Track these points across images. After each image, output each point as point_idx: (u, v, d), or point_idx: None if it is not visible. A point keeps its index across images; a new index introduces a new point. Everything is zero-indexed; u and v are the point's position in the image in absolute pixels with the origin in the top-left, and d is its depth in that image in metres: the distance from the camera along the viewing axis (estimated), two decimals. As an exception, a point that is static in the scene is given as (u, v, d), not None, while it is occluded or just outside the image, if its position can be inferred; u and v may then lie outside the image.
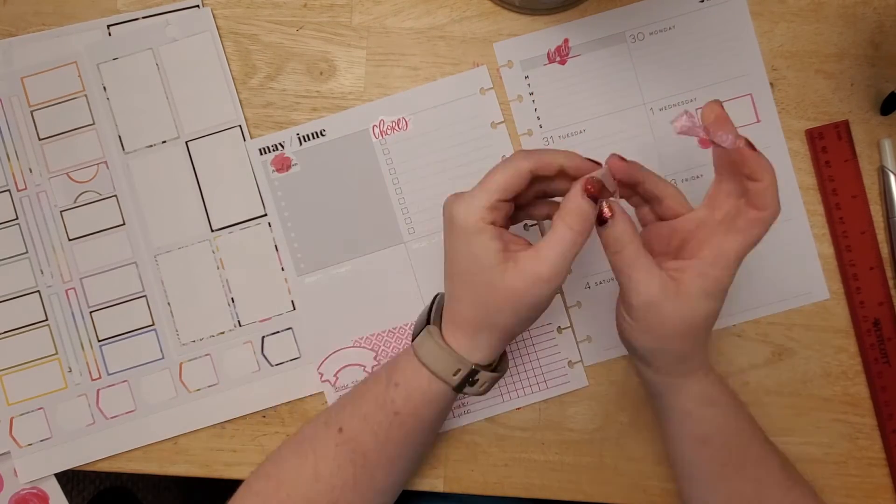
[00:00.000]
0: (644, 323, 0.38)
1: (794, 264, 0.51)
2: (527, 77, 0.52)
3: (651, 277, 0.37)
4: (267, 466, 0.43)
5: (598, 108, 0.51)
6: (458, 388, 0.41)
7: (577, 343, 0.51)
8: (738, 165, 0.37)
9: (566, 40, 0.51)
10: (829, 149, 0.51)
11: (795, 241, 0.51)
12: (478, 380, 0.41)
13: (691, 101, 0.51)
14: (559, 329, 0.51)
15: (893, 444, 0.49)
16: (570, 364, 0.51)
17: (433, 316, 0.42)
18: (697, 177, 0.51)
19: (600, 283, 0.51)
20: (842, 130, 0.51)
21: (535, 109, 0.52)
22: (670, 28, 0.51)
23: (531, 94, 0.52)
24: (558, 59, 0.51)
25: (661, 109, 0.51)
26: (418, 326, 0.44)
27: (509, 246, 0.39)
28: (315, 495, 0.41)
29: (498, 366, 0.43)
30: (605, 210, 0.37)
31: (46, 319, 0.51)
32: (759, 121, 0.51)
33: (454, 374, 0.40)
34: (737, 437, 0.43)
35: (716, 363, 0.51)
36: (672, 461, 0.45)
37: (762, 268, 0.51)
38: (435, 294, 0.45)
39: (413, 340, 0.42)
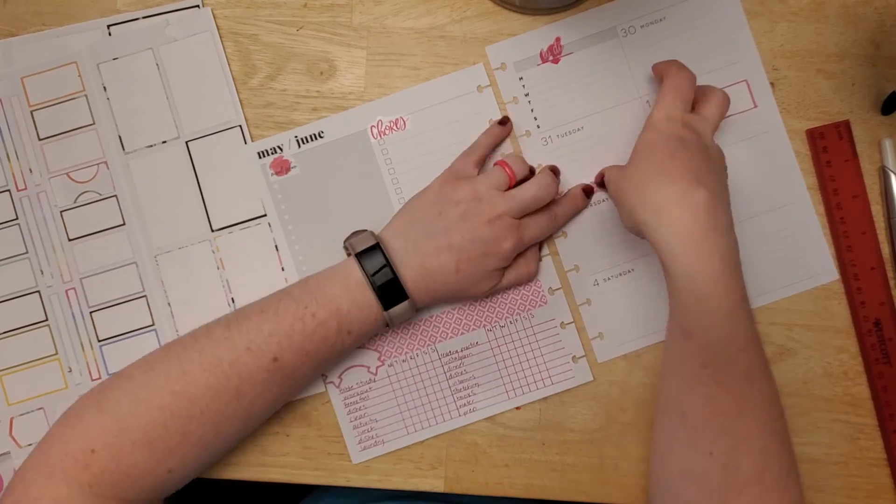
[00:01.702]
0: (610, 190, 0.48)
1: (799, 247, 0.51)
2: (521, 78, 0.52)
3: (612, 169, 0.48)
4: (174, 382, 0.42)
5: (595, 105, 0.51)
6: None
7: (590, 340, 0.51)
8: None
9: (558, 39, 0.51)
10: (830, 149, 0.51)
11: (800, 224, 0.51)
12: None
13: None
14: (562, 324, 0.51)
15: (895, 444, 0.49)
16: (575, 359, 0.51)
17: (408, 289, 0.45)
18: (698, 175, 0.51)
19: (608, 279, 0.51)
20: (842, 130, 0.51)
21: (532, 110, 0.52)
22: (661, 20, 0.51)
23: (526, 95, 0.52)
24: (551, 58, 0.51)
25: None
26: (384, 286, 0.45)
27: None
28: (232, 412, 0.43)
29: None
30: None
31: (46, 319, 0.51)
32: (756, 106, 0.51)
33: (397, 318, 0.46)
34: (723, 343, 0.40)
35: (716, 363, 0.51)
36: (663, 359, 0.45)
37: (768, 252, 0.51)
38: (375, 242, 0.46)
39: (385, 305, 0.45)
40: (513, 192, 0.47)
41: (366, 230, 0.47)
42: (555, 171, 0.49)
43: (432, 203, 0.47)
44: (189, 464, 0.43)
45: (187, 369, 0.42)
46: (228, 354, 0.42)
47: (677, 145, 0.43)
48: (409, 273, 0.45)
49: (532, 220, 0.47)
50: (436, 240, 0.45)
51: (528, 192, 0.47)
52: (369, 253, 0.45)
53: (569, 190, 0.51)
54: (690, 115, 0.45)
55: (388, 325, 0.47)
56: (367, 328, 0.45)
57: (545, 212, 0.48)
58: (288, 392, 0.46)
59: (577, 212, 0.51)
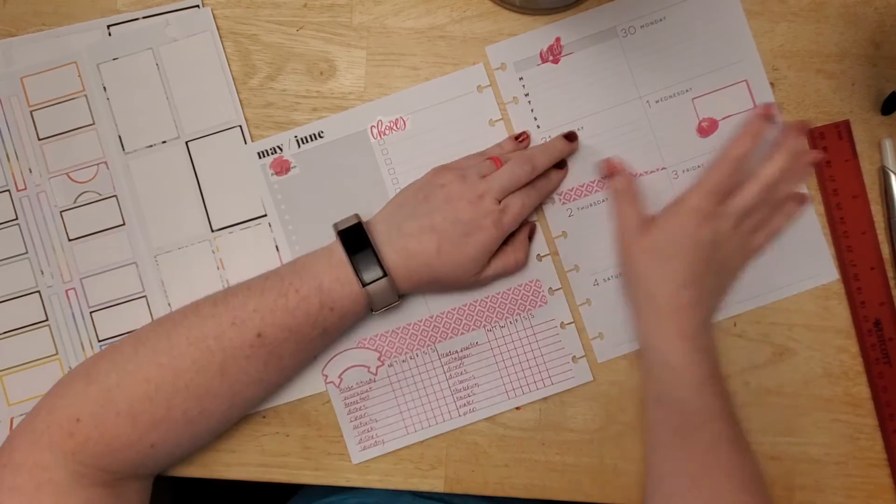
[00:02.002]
0: (621, 256, 0.50)
1: (799, 247, 0.51)
2: (521, 78, 0.52)
3: (628, 219, 0.49)
4: (160, 355, 0.42)
5: (595, 105, 0.51)
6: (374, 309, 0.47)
7: (590, 340, 0.51)
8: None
9: (558, 39, 0.51)
10: (830, 149, 0.51)
11: (799, 224, 0.51)
12: (393, 305, 0.47)
13: (687, 90, 0.51)
14: (562, 325, 0.51)
15: (895, 444, 0.49)
16: (575, 359, 0.51)
17: (388, 266, 0.45)
18: (697, 167, 0.51)
19: (608, 279, 0.51)
20: (842, 130, 0.51)
21: (532, 110, 0.52)
22: (661, 20, 0.51)
23: (526, 95, 0.52)
24: (551, 58, 0.51)
25: (657, 101, 0.51)
26: (363, 262, 0.45)
27: None
28: (217, 388, 0.43)
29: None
30: (613, 169, 0.50)
31: (47, 319, 0.51)
32: (756, 106, 0.51)
33: (385, 306, 0.47)
34: (688, 412, 0.44)
35: (716, 363, 0.51)
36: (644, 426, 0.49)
37: (768, 252, 0.50)
38: (358, 221, 0.47)
39: (364, 283, 0.45)
40: (492, 174, 0.47)
41: (355, 213, 0.48)
42: (570, 137, 0.50)
43: (419, 188, 0.47)
44: (172, 439, 0.43)
45: (174, 343, 0.43)
46: (214, 329, 0.43)
47: (690, 246, 0.45)
48: (391, 254, 0.45)
49: (513, 195, 0.47)
50: (418, 221, 0.45)
51: (504, 171, 0.47)
52: (351, 231, 0.46)
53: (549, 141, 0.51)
54: (720, 209, 0.46)
55: (372, 309, 0.47)
56: (349, 305, 0.45)
57: (527, 186, 0.48)
58: (275, 373, 0.46)
59: (558, 158, 0.50)
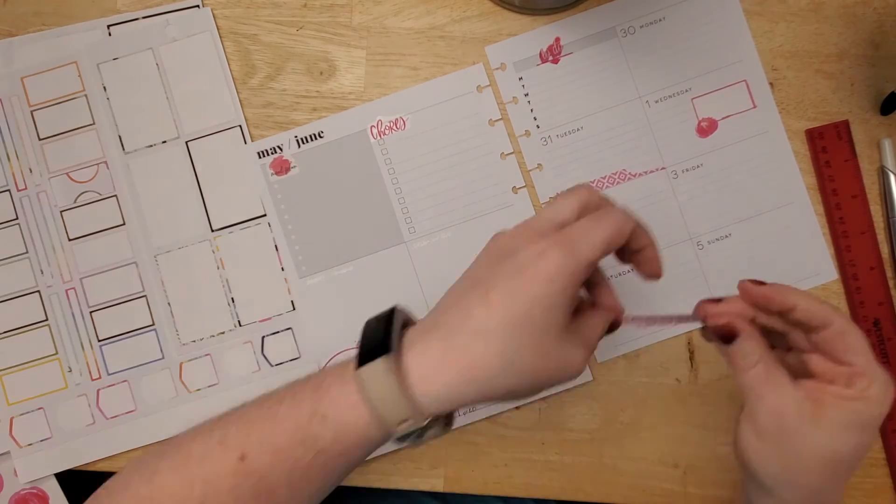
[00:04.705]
0: (775, 448, 0.33)
1: (798, 247, 0.51)
2: (521, 78, 0.52)
3: (785, 397, 0.33)
4: (137, 484, 0.34)
5: (594, 105, 0.52)
6: (400, 440, 0.33)
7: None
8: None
9: (557, 39, 0.51)
10: (829, 149, 0.51)
11: (799, 224, 0.51)
12: (426, 434, 0.33)
13: (686, 90, 0.51)
14: (559, 329, 0.51)
15: (893, 443, 0.49)
16: (571, 364, 0.51)
17: (393, 339, 0.33)
18: (697, 167, 0.51)
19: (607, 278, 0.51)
20: (842, 130, 0.51)
21: (532, 110, 0.52)
22: (660, 20, 0.51)
23: (526, 95, 0.52)
24: (551, 58, 0.52)
25: (656, 101, 0.51)
26: (369, 342, 0.33)
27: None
28: None
29: (448, 419, 0.35)
30: (733, 330, 0.34)
31: (46, 319, 0.51)
32: (755, 106, 0.51)
33: (399, 424, 0.32)
34: None
35: (716, 363, 0.51)
36: None
37: (767, 252, 0.51)
38: (392, 307, 0.36)
39: (359, 363, 0.32)
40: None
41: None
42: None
43: None
44: None
45: (162, 467, 0.34)
46: (201, 448, 0.34)
47: (862, 457, 0.34)
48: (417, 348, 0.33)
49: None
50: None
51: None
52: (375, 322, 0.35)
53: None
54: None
55: (382, 425, 0.32)
56: (345, 410, 0.32)
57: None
58: None
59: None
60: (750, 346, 0.34)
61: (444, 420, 0.34)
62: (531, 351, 0.32)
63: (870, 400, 0.32)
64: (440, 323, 0.33)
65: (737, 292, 0.36)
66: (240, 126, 0.52)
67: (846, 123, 0.51)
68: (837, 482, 0.34)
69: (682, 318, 0.37)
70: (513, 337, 0.31)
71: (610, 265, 0.51)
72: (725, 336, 0.34)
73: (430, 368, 0.32)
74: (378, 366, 0.31)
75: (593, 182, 0.51)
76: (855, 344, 0.33)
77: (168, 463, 0.34)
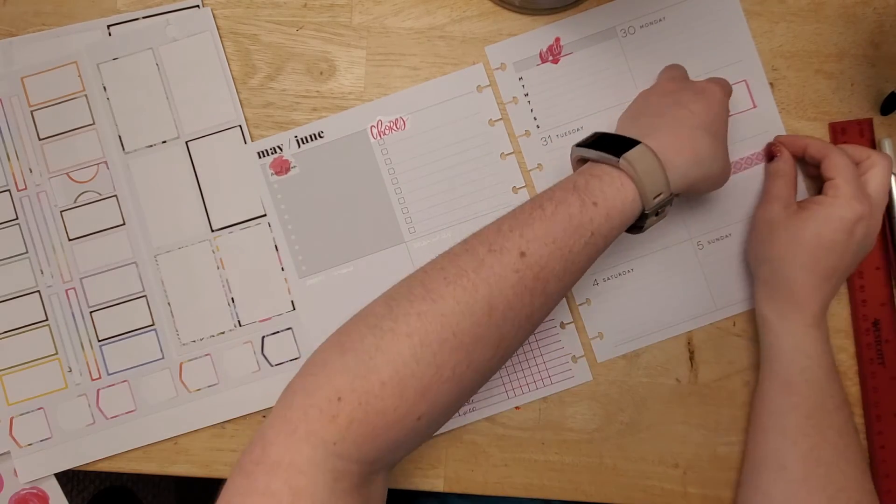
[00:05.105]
0: (759, 231, 0.48)
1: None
2: (521, 78, 0.52)
3: (779, 197, 0.48)
4: (419, 303, 0.36)
5: (594, 105, 0.52)
6: (645, 217, 0.41)
7: (589, 340, 0.51)
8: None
9: (557, 39, 0.51)
10: (850, 144, 0.50)
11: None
12: (663, 211, 0.42)
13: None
14: (562, 325, 0.51)
15: (877, 444, 0.49)
16: (574, 359, 0.51)
17: (632, 137, 0.41)
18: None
19: (608, 279, 0.51)
20: (864, 128, 0.50)
21: (532, 110, 0.52)
22: (660, 20, 0.51)
23: (526, 95, 0.52)
24: (551, 58, 0.52)
25: (658, 104, 0.51)
26: (608, 145, 0.41)
27: None
28: (484, 331, 0.36)
29: (670, 203, 0.42)
30: (775, 150, 0.50)
31: (46, 319, 0.51)
32: (755, 106, 0.51)
33: (655, 198, 0.40)
34: (822, 396, 0.45)
35: (716, 363, 0.51)
36: (755, 415, 0.48)
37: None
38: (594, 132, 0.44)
39: (616, 155, 0.40)
40: None
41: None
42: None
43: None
44: (440, 406, 0.36)
45: (431, 287, 0.37)
46: (471, 261, 0.37)
47: (843, 242, 0.45)
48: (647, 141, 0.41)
49: None
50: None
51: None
52: (599, 139, 0.43)
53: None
54: (872, 206, 0.46)
55: (643, 204, 0.40)
56: (614, 195, 0.39)
57: None
58: (539, 307, 0.38)
59: None
60: (780, 164, 0.49)
61: (668, 203, 0.42)
62: (723, 146, 0.44)
63: (835, 201, 0.45)
64: (659, 125, 0.43)
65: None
66: (240, 126, 0.52)
67: (870, 122, 0.51)
68: (801, 272, 0.45)
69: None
70: (713, 135, 0.43)
71: (610, 265, 0.51)
72: (770, 155, 0.50)
73: (670, 152, 0.40)
74: (639, 149, 0.40)
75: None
76: (836, 163, 0.46)
77: (440, 279, 0.37)
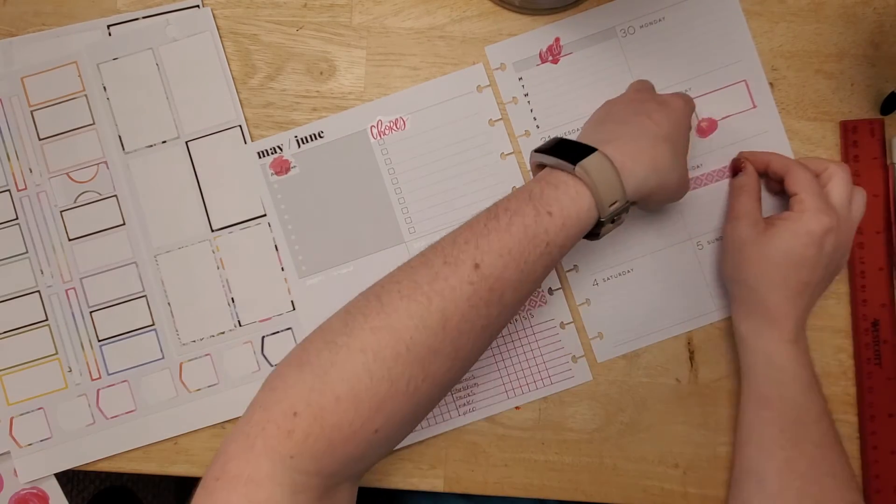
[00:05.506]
0: (729, 252, 0.48)
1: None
2: (520, 78, 0.52)
3: (746, 213, 0.47)
4: (373, 317, 0.37)
5: (594, 105, 0.51)
6: (600, 225, 0.41)
7: (589, 340, 0.51)
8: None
9: (557, 39, 0.52)
10: (861, 143, 0.50)
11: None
12: (619, 218, 0.41)
13: (686, 90, 0.51)
14: (562, 325, 0.51)
15: (870, 444, 0.49)
16: (574, 359, 0.51)
17: (589, 145, 0.41)
18: (697, 166, 0.51)
19: (608, 279, 0.51)
20: (876, 128, 0.50)
21: (532, 110, 0.52)
22: (660, 20, 0.51)
23: (526, 95, 0.52)
24: (551, 58, 0.52)
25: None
26: (564, 151, 0.41)
27: None
28: (439, 344, 0.37)
29: (626, 210, 0.42)
30: (740, 165, 0.50)
31: (46, 319, 0.51)
32: (755, 106, 0.51)
33: (610, 206, 0.40)
34: (798, 410, 0.45)
35: (716, 363, 0.51)
36: (737, 428, 0.49)
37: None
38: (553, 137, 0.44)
39: (572, 162, 0.40)
40: None
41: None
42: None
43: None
44: (396, 419, 0.37)
45: (386, 301, 0.37)
46: (427, 274, 0.37)
47: (812, 257, 0.45)
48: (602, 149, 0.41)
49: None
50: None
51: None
52: (555, 145, 0.42)
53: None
54: (840, 219, 0.46)
55: (599, 213, 0.40)
56: (569, 203, 0.39)
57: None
58: (496, 318, 0.39)
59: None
60: (744, 179, 0.49)
61: (624, 211, 0.41)
62: (682, 158, 0.45)
63: (802, 216, 0.45)
64: (620, 133, 0.43)
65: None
66: (240, 126, 0.52)
67: (881, 122, 0.51)
68: (772, 289, 0.45)
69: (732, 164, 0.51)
70: (673, 145, 0.43)
71: (610, 265, 0.51)
72: (735, 169, 0.50)
73: (628, 159, 0.40)
74: (596, 157, 0.40)
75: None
76: (799, 178, 0.46)
77: (395, 294, 0.37)
